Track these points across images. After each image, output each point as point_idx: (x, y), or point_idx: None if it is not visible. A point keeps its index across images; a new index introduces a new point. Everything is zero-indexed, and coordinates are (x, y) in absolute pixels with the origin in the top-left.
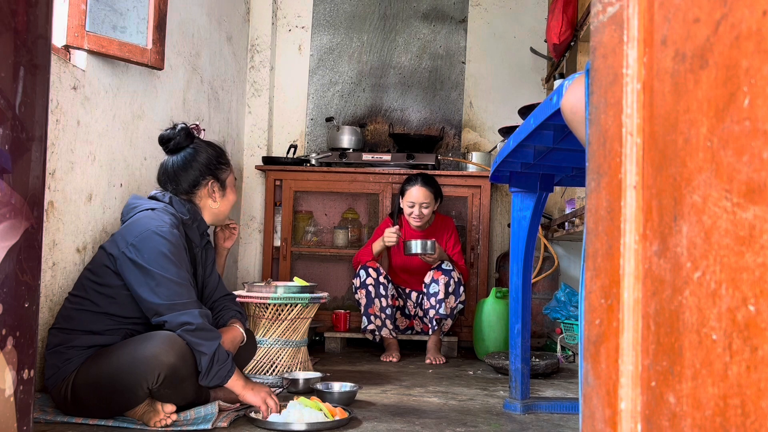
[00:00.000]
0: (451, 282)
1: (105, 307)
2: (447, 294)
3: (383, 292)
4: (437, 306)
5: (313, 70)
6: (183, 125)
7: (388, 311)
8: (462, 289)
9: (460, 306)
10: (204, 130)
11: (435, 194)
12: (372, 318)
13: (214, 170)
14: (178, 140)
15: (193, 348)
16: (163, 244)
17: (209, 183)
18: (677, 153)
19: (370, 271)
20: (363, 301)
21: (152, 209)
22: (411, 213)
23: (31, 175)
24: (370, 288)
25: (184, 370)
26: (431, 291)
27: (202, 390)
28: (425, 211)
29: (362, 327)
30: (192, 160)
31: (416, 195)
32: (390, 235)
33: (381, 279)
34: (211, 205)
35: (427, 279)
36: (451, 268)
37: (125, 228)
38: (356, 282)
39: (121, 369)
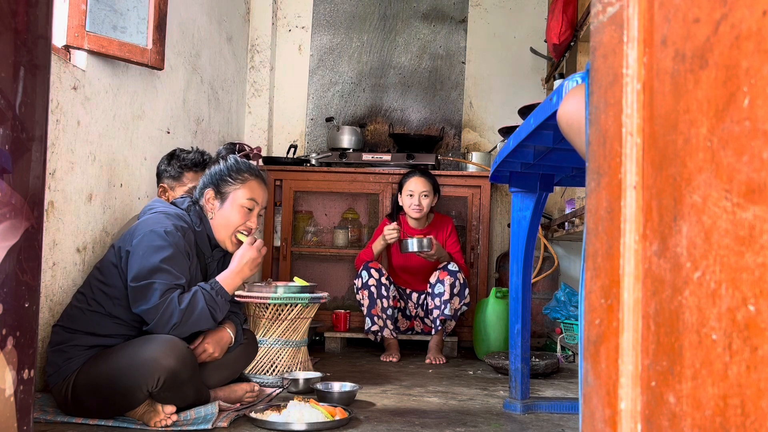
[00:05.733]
0: (457, 283)
1: (109, 309)
2: (452, 295)
3: (385, 293)
4: (442, 307)
5: (313, 70)
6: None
7: (390, 312)
8: (467, 291)
9: (465, 308)
10: (261, 156)
11: (433, 186)
12: (375, 319)
13: (217, 181)
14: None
15: (199, 328)
16: (156, 240)
17: (208, 193)
18: (677, 153)
19: (372, 271)
20: (365, 302)
21: (164, 213)
22: (411, 204)
23: (31, 175)
24: (372, 289)
25: (185, 374)
26: (436, 291)
27: (203, 391)
28: (425, 201)
29: (366, 328)
30: (209, 169)
31: (415, 184)
32: (390, 232)
33: (383, 280)
34: (209, 216)
35: (432, 279)
36: (457, 269)
37: (134, 226)
38: (358, 283)
39: (121, 371)
